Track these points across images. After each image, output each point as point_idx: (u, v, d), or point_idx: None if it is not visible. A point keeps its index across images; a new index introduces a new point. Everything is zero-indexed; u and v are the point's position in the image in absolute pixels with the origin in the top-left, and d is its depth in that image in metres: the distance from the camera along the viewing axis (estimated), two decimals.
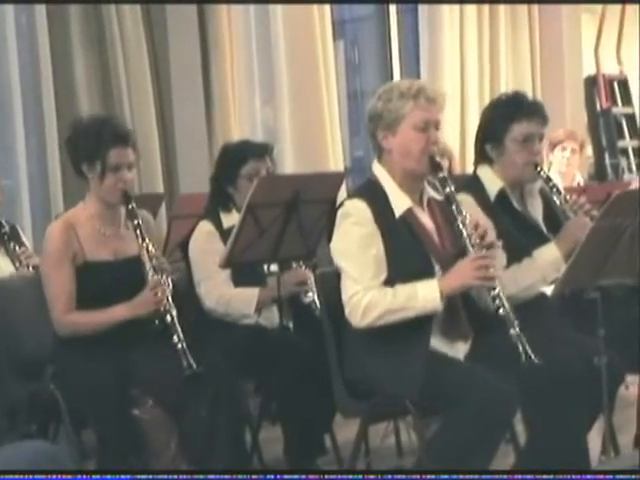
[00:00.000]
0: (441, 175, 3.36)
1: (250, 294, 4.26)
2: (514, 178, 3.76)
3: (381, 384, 3.33)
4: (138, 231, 3.72)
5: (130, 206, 3.74)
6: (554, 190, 3.75)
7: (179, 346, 3.59)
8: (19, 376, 3.90)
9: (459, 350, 3.42)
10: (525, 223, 3.75)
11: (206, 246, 4.28)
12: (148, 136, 5.98)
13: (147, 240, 3.72)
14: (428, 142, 3.35)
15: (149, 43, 6.07)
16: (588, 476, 2.87)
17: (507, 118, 3.73)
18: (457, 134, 7.50)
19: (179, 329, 3.63)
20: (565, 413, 3.32)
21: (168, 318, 3.64)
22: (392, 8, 7.54)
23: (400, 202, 3.39)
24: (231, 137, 6.12)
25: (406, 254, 3.34)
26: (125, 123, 5.73)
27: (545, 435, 3.37)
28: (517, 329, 3.20)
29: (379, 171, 3.45)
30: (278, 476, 2.98)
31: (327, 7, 6.83)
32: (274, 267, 4.32)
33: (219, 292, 4.23)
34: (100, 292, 3.71)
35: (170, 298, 3.66)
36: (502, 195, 3.75)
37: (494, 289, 3.24)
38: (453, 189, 3.34)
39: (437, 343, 3.37)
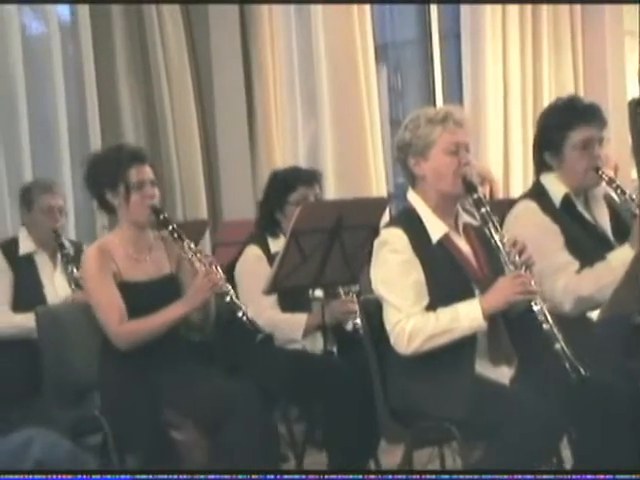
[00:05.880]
0: (476, 196, 3.35)
1: (298, 319, 4.29)
2: (577, 184, 3.73)
3: (426, 409, 3.32)
4: (176, 234, 3.76)
5: (162, 216, 3.77)
6: (619, 191, 3.71)
7: (244, 318, 3.67)
8: (66, 401, 3.95)
9: (504, 374, 3.40)
10: (592, 229, 3.73)
11: (254, 270, 4.30)
12: (192, 163, 6.06)
13: (187, 240, 3.75)
14: (460, 164, 3.36)
15: (193, 71, 6.11)
16: (588, 476, 2.85)
17: (564, 125, 3.70)
18: (500, 159, 7.47)
19: (240, 303, 3.70)
20: (613, 438, 3.27)
21: (227, 298, 3.69)
22: (435, 33, 7.53)
23: (436, 227, 3.40)
24: (274, 164, 6.14)
25: (445, 279, 3.34)
26: (170, 151, 5.90)
27: (592, 460, 3.32)
28: (562, 343, 3.16)
29: (414, 198, 3.46)
30: (278, 476, 2.97)
31: (369, 32, 6.83)
32: (318, 292, 4.32)
33: (267, 316, 4.22)
34: (137, 312, 3.72)
35: (224, 280, 3.70)
36: (567, 201, 3.72)
37: (536, 304, 3.21)
38: (488, 209, 3.32)
39: (481, 367, 3.36)
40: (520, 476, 2.91)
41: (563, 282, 3.55)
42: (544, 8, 7.75)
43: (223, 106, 6.18)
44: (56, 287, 4.77)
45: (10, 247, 4.79)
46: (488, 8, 7.45)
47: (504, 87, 7.54)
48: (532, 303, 3.22)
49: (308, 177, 4.48)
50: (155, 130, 5.98)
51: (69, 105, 5.76)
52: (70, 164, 5.71)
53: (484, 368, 3.36)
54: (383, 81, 7.43)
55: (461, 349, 3.30)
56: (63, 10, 5.88)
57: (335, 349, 4.38)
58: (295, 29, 6.62)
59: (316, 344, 4.32)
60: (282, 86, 6.54)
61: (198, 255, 3.73)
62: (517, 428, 3.10)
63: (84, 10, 5.75)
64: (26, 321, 4.37)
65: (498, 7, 7.52)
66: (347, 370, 4.07)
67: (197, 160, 6.08)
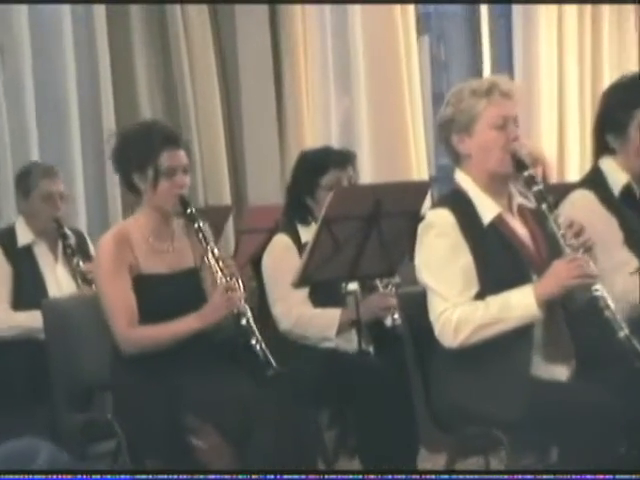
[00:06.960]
0: (527, 173, 3.23)
1: (332, 315, 4.19)
2: None
3: (474, 411, 3.23)
4: (200, 235, 3.65)
5: (189, 210, 3.66)
6: None
7: (257, 347, 3.56)
8: (74, 403, 3.88)
9: (561, 374, 3.30)
10: None
11: (283, 261, 4.21)
12: (214, 143, 6.00)
13: (211, 243, 3.65)
14: (508, 139, 3.26)
15: (216, 44, 6.09)
16: (588, 476, 2.84)
17: (630, 104, 3.53)
18: (555, 140, 7.30)
19: (256, 330, 3.59)
20: None
21: (243, 321, 3.58)
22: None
23: (488, 208, 3.30)
24: (304, 145, 6.05)
25: (499, 264, 3.25)
26: (190, 129, 5.87)
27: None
28: (625, 330, 3.07)
29: (462, 178, 3.36)
30: (278, 476, 2.97)
31: None
32: (353, 285, 4.20)
33: (298, 312, 4.19)
34: (155, 307, 3.62)
35: (243, 299, 3.60)
36: (627, 190, 3.58)
37: (596, 289, 3.10)
38: (542, 187, 3.22)
39: (536, 365, 3.26)
40: (520, 476, 2.96)
41: (621, 285, 3.40)
42: None
43: (249, 81, 6.09)
44: (59, 281, 4.65)
45: (7, 238, 4.66)
46: None
47: (559, 63, 7.34)
48: (592, 288, 3.11)
49: (340, 158, 4.36)
50: (175, 108, 5.92)
51: (80, 84, 5.69)
52: (81, 148, 5.65)
53: (538, 366, 3.26)
54: (425, 52, 7.29)
55: (515, 344, 3.20)
56: None
57: (372, 348, 4.29)
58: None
59: (351, 342, 4.20)
60: (313, 57, 6.44)
61: (221, 264, 3.61)
62: (579, 430, 3.00)
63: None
64: (31, 320, 4.32)
65: None
66: (383, 371, 3.98)
67: (220, 140, 6.01)
